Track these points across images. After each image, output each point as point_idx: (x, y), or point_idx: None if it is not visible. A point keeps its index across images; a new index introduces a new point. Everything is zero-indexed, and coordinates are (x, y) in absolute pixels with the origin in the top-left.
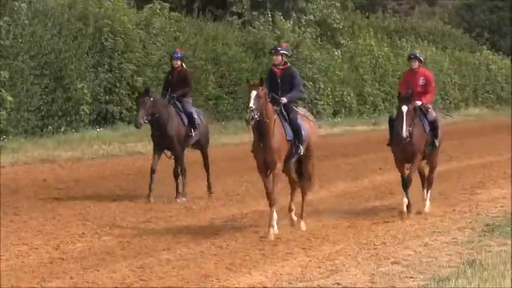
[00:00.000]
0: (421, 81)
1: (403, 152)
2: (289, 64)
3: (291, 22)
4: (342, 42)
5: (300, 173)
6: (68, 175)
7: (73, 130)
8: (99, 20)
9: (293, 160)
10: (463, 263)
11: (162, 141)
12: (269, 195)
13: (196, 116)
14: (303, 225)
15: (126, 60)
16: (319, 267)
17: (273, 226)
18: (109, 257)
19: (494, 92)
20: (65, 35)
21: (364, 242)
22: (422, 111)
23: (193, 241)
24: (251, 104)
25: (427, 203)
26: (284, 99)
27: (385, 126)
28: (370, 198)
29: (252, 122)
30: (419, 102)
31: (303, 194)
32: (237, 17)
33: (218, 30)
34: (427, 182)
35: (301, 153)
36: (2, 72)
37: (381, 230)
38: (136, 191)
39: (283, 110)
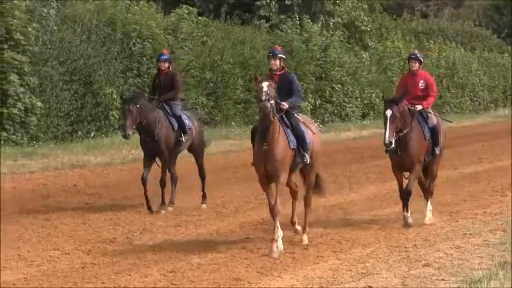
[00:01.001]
0: (421, 84)
1: (400, 160)
2: (286, 69)
3: (319, 25)
4: (369, 44)
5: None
6: (97, 180)
7: (102, 135)
8: (127, 25)
9: (297, 169)
10: (495, 265)
11: (151, 148)
12: (273, 209)
13: (186, 121)
14: (305, 238)
15: (154, 65)
16: (350, 270)
17: (276, 240)
18: (140, 262)
19: None
20: (93, 40)
21: (395, 244)
22: (423, 117)
23: (224, 245)
24: (265, 89)
25: (428, 213)
26: (285, 104)
27: None
28: (399, 200)
29: (268, 107)
30: (419, 107)
31: (306, 206)
32: (264, 20)
33: (246, 34)
34: (427, 192)
35: (307, 162)
36: (31, 78)
37: (412, 232)
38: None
39: (285, 117)
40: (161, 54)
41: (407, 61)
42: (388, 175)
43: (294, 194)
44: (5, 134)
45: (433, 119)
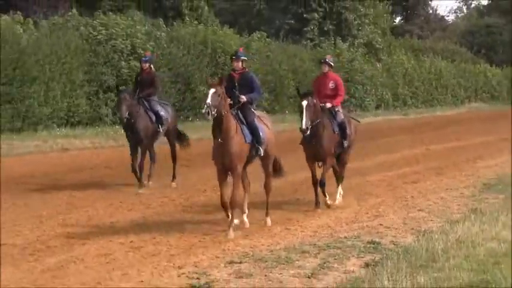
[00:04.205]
0: (331, 84)
1: (313, 151)
2: (247, 69)
3: (347, 44)
4: (382, 57)
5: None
6: (194, 150)
7: (197, 119)
8: (215, 43)
9: (253, 161)
10: (468, 211)
11: (134, 139)
12: (224, 205)
13: (162, 112)
14: (268, 221)
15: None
16: (367, 213)
17: (233, 227)
18: None
19: (489, 92)
20: (191, 54)
21: (398, 196)
22: (332, 113)
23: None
24: (208, 100)
25: (338, 197)
26: (243, 97)
27: (413, 116)
28: (402, 165)
29: (209, 117)
30: (329, 105)
31: (266, 193)
32: (309, 41)
33: (296, 50)
34: (339, 177)
35: (261, 155)
36: None
37: (410, 187)
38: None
39: (240, 113)
40: (144, 56)
41: (319, 64)
42: (393, 148)
43: (245, 187)
44: None
45: (341, 115)
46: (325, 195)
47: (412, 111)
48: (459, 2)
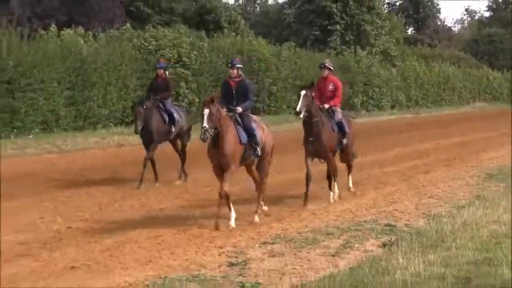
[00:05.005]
0: (330, 87)
1: (313, 148)
2: (243, 76)
3: (365, 52)
4: (396, 63)
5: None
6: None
7: None
8: (250, 52)
9: (250, 160)
10: (473, 197)
11: (147, 138)
12: (221, 196)
13: (175, 115)
14: (256, 218)
15: (266, 76)
16: (384, 200)
17: (232, 219)
18: None
19: (491, 93)
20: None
21: (411, 184)
22: (330, 113)
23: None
24: (204, 124)
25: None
26: (239, 109)
27: (424, 115)
28: (414, 158)
29: (207, 140)
30: (327, 105)
31: (258, 192)
32: (333, 49)
33: (321, 57)
34: (335, 175)
35: (259, 154)
36: (193, 84)
37: (422, 177)
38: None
39: (238, 117)
40: (159, 63)
41: (319, 68)
42: (406, 142)
43: (256, 183)
44: None
45: (339, 115)
46: (330, 189)
47: (423, 110)
48: (464, 15)
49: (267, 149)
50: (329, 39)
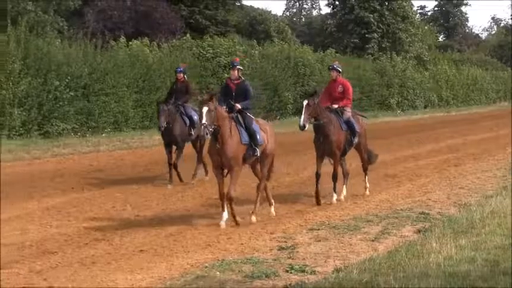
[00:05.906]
0: (339, 88)
1: (322, 147)
2: (243, 78)
3: (400, 57)
4: (428, 67)
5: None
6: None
7: (283, 118)
8: (296, 58)
9: (250, 160)
10: (500, 188)
11: (169, 140)
12: (222, 196)
13: (195, 118)
14: (253, 219)
15: (311, 80)
16: (418, 190)
17: (224, 219)
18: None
19: None
20: (278, 67)
21: (443, 176)
22: (338, 113)
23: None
24: (204, 121)
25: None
26: (238, 106)
27: (454, 113)
28: (445, 152)
29: (208, 136)
30: (335, 106)
31: (257, 192)
32: (370, 55)
33: (360, 63)
34: (345, 174)
35: (258, 155)
36: None
37: (453, 170)
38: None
39: (240, 117)
40: (178, 67)
41: (328, 70)
42: (438, 138)
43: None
44: None
45: (347, 114)
46: (334, 191)
47: (453, 109)
48: (490, 22)
49: (268, 150)
50: (367, 46)
